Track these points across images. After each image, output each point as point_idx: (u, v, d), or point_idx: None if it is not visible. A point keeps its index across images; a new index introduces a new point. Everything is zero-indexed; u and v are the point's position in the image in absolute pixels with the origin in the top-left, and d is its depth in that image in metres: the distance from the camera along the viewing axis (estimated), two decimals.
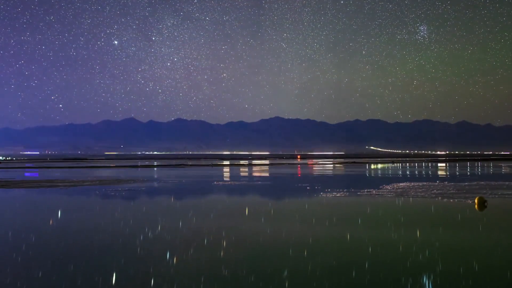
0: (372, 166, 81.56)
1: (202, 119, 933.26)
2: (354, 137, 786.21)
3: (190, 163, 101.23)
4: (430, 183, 35.44)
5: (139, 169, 72.63)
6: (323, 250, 12.30)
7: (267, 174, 55.58)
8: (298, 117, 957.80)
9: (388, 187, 32.33)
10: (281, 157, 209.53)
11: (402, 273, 9.94)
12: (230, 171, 63.72)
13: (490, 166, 78.74)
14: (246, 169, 69.59)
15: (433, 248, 12.30)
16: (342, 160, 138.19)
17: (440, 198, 24.67)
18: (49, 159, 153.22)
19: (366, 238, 13.81)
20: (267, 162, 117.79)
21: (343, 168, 77.01)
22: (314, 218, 18.14)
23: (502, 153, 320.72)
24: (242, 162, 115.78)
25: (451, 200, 23.54)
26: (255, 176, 51.65)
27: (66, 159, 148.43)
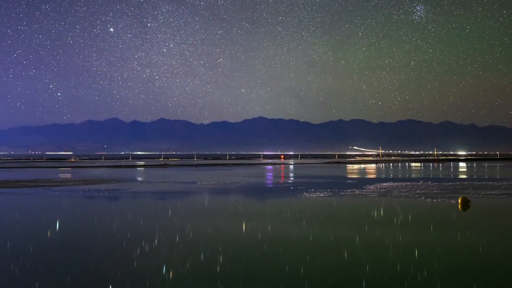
0: (356, 166, 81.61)
1: (185, 119, 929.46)
2: (338, 137, 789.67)
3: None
4: (414, 183, 35.39)
5: (124, 169, 71.75)
6: (291, 249, 11.95)
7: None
8: (282, 117, 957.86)
9: (372, 187, 32.18)
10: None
11: (374, 273, 9.65)
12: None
13: (474, 166, 79.34)
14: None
15: (413, 248, 11.99)
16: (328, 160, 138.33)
17: (423, 198, 24.52)
18: (32, 159, 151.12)
19: (343, 238, 13.46)
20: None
21: (330, 168, 76.97)
22: (296, 218, 17.79)
23: (486, 153, 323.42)
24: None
25: (435, 200, 23.40)
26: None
27: (49, 159, 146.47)
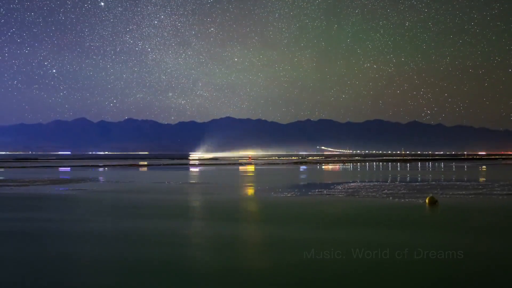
0: (324, 167, 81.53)
1: (153, 119, 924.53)
2: (306, 137, 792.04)
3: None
4: (382, 183, 35.29)
5: (92, 169, 70.06)
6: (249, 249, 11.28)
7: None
8: (249, 117, 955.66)
9: (339, 187, 31.84)
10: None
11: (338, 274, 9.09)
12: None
13: (441, 166, 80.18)
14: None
15: (378, 248, 11.44)
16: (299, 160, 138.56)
17: (391, 198, 24.30)
18: None
19: (303, 238, 12.85)
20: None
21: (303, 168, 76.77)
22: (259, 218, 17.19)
23: (453, 153, 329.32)
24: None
25: (402, 200, 23.17)
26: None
27: (17, 159, 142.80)
